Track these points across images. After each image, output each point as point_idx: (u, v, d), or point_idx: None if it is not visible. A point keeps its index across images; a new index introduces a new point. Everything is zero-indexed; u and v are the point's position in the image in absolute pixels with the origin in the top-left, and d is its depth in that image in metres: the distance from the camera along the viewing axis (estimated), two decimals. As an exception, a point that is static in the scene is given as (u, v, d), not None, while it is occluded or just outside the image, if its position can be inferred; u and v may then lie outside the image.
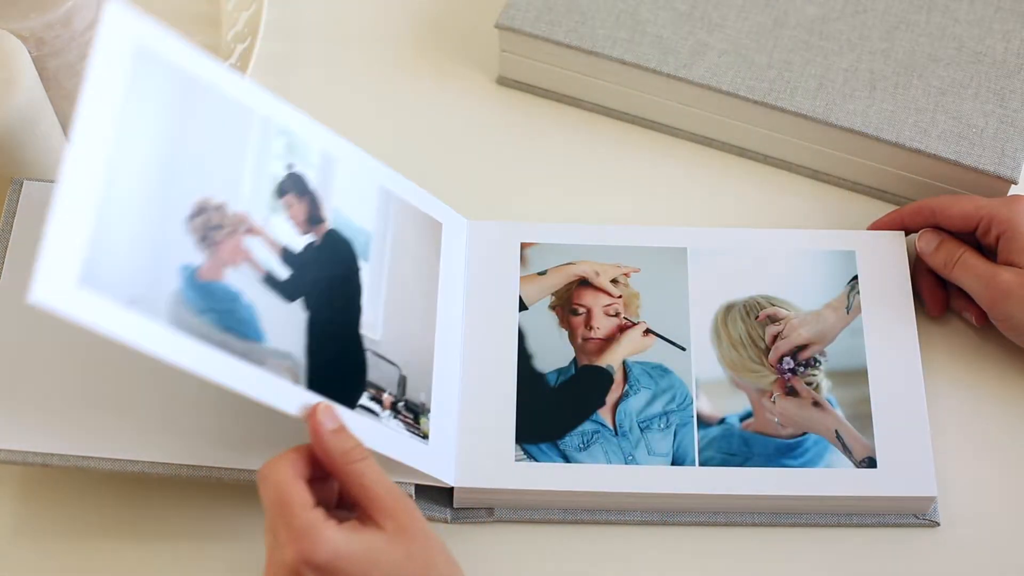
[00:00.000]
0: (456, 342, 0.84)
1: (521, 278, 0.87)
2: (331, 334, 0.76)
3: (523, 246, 0.88)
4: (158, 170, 0.70)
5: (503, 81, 0.99)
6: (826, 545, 0.82)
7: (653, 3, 0.95)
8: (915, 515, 0.82)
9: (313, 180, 0.78)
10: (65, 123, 0.91)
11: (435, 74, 1.00)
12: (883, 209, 0.94)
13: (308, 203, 0.77)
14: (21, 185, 0.85)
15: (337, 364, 0.76)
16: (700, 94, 0.94)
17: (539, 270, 0.88)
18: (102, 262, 0.66)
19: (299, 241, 0.76)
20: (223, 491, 0.81)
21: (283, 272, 0.75)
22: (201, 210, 0.71)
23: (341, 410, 0.73)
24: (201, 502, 0.82)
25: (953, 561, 0.81)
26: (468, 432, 0.82)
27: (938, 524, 0.82)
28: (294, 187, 0.77)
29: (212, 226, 0.72)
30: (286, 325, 0.74)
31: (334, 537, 0.67)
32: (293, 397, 0.72)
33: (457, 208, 0.89)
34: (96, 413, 0.78)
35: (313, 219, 0.77)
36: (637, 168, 0.96)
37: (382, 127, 0.98)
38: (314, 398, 0.73)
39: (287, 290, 0.75)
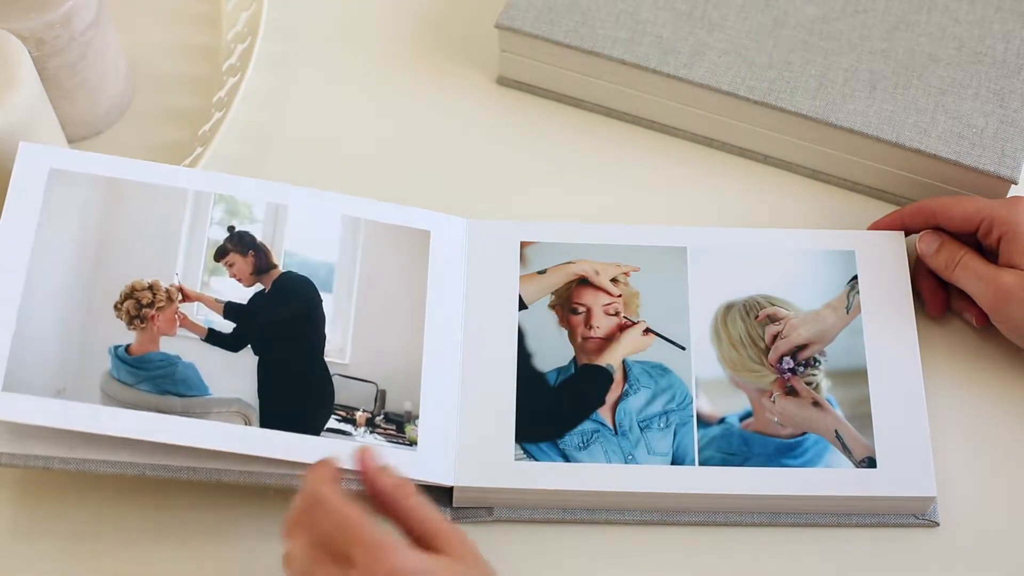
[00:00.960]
0: (453, 343, 0.84)
1: (521, 277, 0.87)
2: (288, 370, 0.82)
3: (523, 245, 0.88)
4: (81, 269, 0.81)
5: (503, 81, 0.99)
6: (826, 545, 0.82)
7: (653, 3, 0.95)
8: (915, 515, 0.82)
9: (260, 233, 0.84)
10: (65, 123, 0.91)
11: (435, 74, 1.00)
12: (883, 209, 0.93)
13: (254, 257, 0.84)
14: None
15: (296, 396, 0.81)
16: (700, 94, 0.94)
17: (539, 269, 0.88)
18: (24, 367, 0.77)
19: (246, 293, 0.83)
20: (223, 491, 0.81)
21: (227, 326, 0.82)
22: (130, 293, 0.81)
23: (307, 438, 0.78)
24: (201, 503, 0.82)
25: (953, 561, 0.81)
26: (468, 431, 0.82)
27: (938, 524, 0.82)
28: (235, 247, 0.84)
29: (143, 305, 0.80)
30: (234, 373, 0.80)
31: (413, 554, 0.69)
32: (243, 438, 0.77)
33: (457, 208, 0.89)
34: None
35: (261, 269, 0.84)
36: (637, 168, 0.96)
37: (382, 127, 0.98)
38: (268, 434, 0.78)
39: (230, 343, 0.81)
